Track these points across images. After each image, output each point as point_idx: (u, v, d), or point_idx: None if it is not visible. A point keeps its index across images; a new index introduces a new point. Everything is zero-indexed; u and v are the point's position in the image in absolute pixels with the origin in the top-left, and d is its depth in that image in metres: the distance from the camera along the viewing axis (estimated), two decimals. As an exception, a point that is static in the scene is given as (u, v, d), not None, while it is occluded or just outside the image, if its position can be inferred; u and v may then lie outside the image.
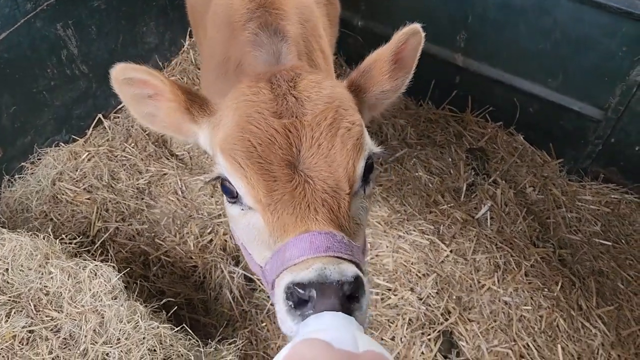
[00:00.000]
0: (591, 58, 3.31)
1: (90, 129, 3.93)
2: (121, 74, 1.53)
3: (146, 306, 2.41)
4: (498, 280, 3.26)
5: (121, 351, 2.13)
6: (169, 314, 2.61)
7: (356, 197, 1.46)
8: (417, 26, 1.62)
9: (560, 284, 3.24)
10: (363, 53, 4.59)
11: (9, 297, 2.27)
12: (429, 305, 3.15)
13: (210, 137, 1.57)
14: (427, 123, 4.18)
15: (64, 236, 2.73)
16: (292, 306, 1.21)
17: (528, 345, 3.01)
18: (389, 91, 1.68)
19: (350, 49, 4.33)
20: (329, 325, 1.12)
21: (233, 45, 2.01)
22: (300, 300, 1.20)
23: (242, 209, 1.43)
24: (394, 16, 4.05)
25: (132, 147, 3.85)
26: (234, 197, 1.43)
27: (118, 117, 4.07)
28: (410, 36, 1.61)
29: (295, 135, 1.39)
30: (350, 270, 1.22)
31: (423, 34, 1.62)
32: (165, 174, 3.70)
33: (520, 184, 3.77)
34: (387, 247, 3.39)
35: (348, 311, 1.19)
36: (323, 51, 2.25)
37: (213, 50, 2.32)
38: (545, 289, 3.23)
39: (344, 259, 1.25)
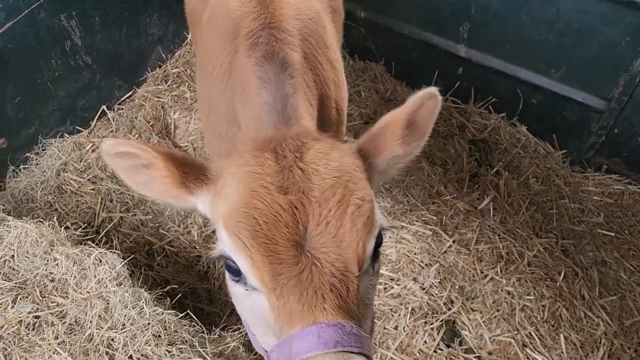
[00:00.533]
0: (594, 48, 3.30)
1: (94, 120, 3.94)
2: (112, 149, 1.45)
3: (151, 293, 2.42)
4: (501, 270, 3.27)
5: (126, 336, 2.15)
6: (173, 302, 2.63)
7: (365, 275, 1.37)
8: (434, 90, 1.50)
9: (563, 274, 3.24)
10: (366, 44, 4.59)
11: (15, 283, 2.29)
12: (432, 295, 3.17)
13: (210, 205, 1.48)
14: (430, 114, 4.18)
15: (68, 224, 2.74)
16: None
17: (531, 335, 3.02)
18: (402, 156, 1.56)
19: (353, 40, 4.33)
20: None
21: (237, 69, 1.94)
22: None
23: (247, 289, 1.35)
24: (397, 7, 4.05)
25: (136, 139, 3.86)
26: (237, 275, 1.35)
27: (122, 108, 4.09)
28: (426, 100, 1.50)
29: (302, 212, 1.30)
30: None
31: (440, 98, 1.50)
32: (169, 165, 3.71)
33: (524, 175, 3.77)
34: (390, 237, 3.40)
35: None
36: (331, 61, 2.19)
37: (210, 57, 2.26)
38: (548, 279, 3.24)
39: (354, 353, 1.19)
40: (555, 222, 3.56)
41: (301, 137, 1.48)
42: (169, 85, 4.25)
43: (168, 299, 2.59)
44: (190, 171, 1.48)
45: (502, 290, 3.20)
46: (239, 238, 1.30)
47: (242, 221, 1.31)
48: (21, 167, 3.59)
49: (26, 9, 3.20)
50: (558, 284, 3.21)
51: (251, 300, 1.35)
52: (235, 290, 1.40)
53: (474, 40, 3.79)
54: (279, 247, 1.27)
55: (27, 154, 3.62)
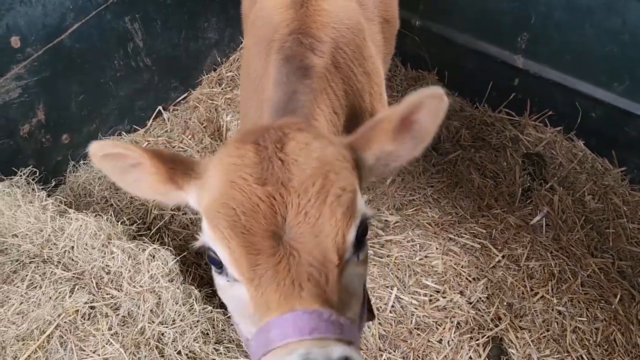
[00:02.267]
0: (662, 62, 3.17)
1: (151, 120, 4.07)
2: (99, 151, 1.46)
3: (200, 290, 2.47)
4: (552, 289, 3.17)
5: (176, 332, 2.20)
6: (220, 300, 2.67)
7: (349, 265, 1.35)
8: (439, 89, 1.44)
9: (618, 296, 3.11)
10: (419, 53, 4.55)
11: (74, 273, 2.38)
12: (479, 310, 3.10)
13: (198, 199, 1.48)
14: (482, 126, 4.11)
15: (125, 219, 2.84)
16: None
17: (582, 358, 2.91)
18: (394, 154, 1.53)
19: (407, 48, 4.31)
20: None
21: (264, 73, 1.96)
22: None
23: (228, 280, 1.35)
24: (453, 16, 4.01)
25: (189, 139, 3.96)
26: (219, 267, 1.35)
27: (177, 109, 4.20)
28: (428, 100, 1.43)
29: (281, 203, 1.30)
30: (337, 351, 1.14)
31: (446, 100, 1.43)
32: (219, 166, 3.78)
33: (579, 192, 3.64)
34: (437, 248, 3.35)
35: None
36: (368, 73, 2.16)
37: (247, 61, 2.29)
38: (603, 301, 3.12)
39: (331, 339, 1.17)
40: (612, 242, 3.42)
41: (284, 127, 1.47)
42: (222, 88, 4.33)
43: (216, 297, 2.63)
44: (178, 167, 1.50)
45: (552, 310, 3.09)
46: (218, 228, 1.30)
47: (221, 212, 1.31)
48: (81, 162, 3.73)
49: (94, 10, 3.34)
50: (613, 307, 3.08)
51: (233, 291, 1.35)
52: (218, 281, 1.40)
53: (532, 51, 3.71)
54: (256, 238, 1.27)
55: (87, 150, 3.75)
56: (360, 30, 2.19)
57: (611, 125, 3.63)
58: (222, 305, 2.60)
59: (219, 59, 4.43)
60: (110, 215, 2.80)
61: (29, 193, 2.75)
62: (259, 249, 1.26)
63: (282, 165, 1.35)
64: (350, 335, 1.24)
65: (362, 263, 1.42)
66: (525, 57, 3.76)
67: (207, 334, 2.24)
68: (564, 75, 3.65)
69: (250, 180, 1.33)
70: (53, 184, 3.50)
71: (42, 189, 3.11)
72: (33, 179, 3.09)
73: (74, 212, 2.60)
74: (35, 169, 3.20)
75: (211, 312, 2.29)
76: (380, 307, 3.14)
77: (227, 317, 2.35)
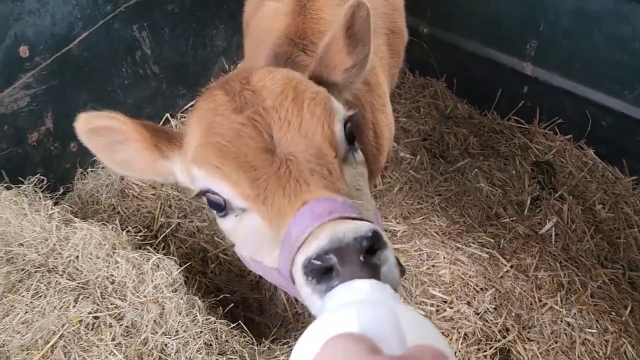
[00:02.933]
0: (673, 70, 3.13)
1: (158, 128, 4.08)
2: (85, 125, 1.49)
3: (204, 301, 2.47)
4: (561, 300, 3.12)
5: (179, 343, 2.19)
6: (225, 311, 2.67)
7: (347, 163, 1.39)
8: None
9: (629, 308, 3.06)
10: (427, 60, 4.53)
11: (78, 283, 2.39)
12: (486, 321, 3.06)
13: (183, 166, 1.51)
14: (491, 133, 4.07)
15: (130, 228, 2.84)
16: (316, 283, 1.07)
17: (592, 370, 2.86)
18: (353, 68, 1.62)
19: (415, 55, 4.29)
20: (361, 298, 0.96)
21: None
22: (322, 271, 1.07)
23: (236, 215, 1.35)
24: (461, 23, 3.98)
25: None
26: (222, 207, 1.36)
27: (184, 117, 4.21)
28: (355, 9, 1.52)
29: (262, 122, 1.33)
30: (364, 225, 1.09)
31: (367, 5, 1.53)
32: (226, 174, 3.78)
33: (589, 201, 3.59)
34: (444, 258, 3.32)
35: (375, 270, 1.06)
36: (369, 84, 2.18)
37: (245, 67, 2.34)
38: (613, 313, 3.06)
39: (355, 219, 1.14)
40: (623, 252, 3.36)
41: (244, 69, 1.54)
42: (230, 96, 4.34)
43: (220, 307, 2.62)
44: (161, 135, 1.53)
45: (561, 321, 3.04)
46: (208, 163, 1.33)
47: (207, 148, 1.34)
48: (89, 169, 3.75)
49: (102, 19, 3.36)
50: (624, 319, 3.03)
51: (245, 225, 1.35)
52: (226, 225, 1.40)
53: (541, 59, 3.67)
54: (249, 156, 1.29)
55: (95, 158, 3.77)
56: None
57: (622, 133, 3.58)
58: (226, 316, 2.60)
59: (227, 66, 4.44)
60: (116, 223, 2.81)
61: (35, 202, 2.77)
62: (254, 165, 1.28)
63: (253, 93, 1.40)
64: (371, 219, 1.22)
65: (361, 164, 1.46)
66: (534, 64, 3.73)
67: (210, 344, 2.23)
68: (573, 83, 3.60)
69: (226, 113, 1.37)
70: (61, 192, 3.52)
71: (49, 197, 3.13)
72: (40, 187, 3.11)
73: (79, 222, 2.61)
74: (43, 177, 3.22)
75: (214, 323, 2.28)
76: (386, 317, 3.11)
77: (230, 329, 2.35)
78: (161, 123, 4.08)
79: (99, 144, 1.54)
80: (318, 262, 1.06)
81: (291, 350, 2.45)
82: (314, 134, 1.33)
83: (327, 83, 1.59)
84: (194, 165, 1.38)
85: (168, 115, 4.11)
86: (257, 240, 1.32)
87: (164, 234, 3.41)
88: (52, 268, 2.45)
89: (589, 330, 3.00)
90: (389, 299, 0.98)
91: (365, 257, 1.06)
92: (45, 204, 2.68)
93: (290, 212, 1.20)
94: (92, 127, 1.50)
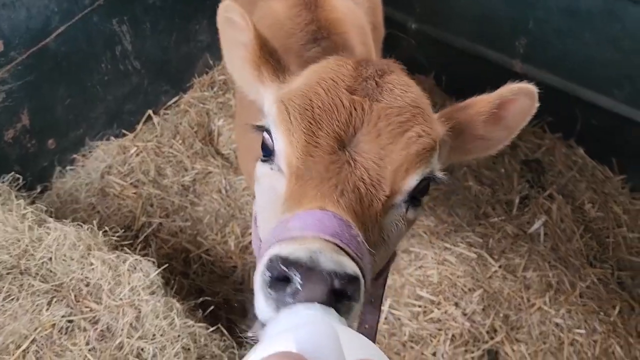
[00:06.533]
0: (663, 68, 3.09)
1: (140, 125, 3.97)
2: (225, 11, 1.47)
3: (183, 303, 2.38)
4: (550, 300, 3.08)
5: (155, 347, 2.11)
6: (205, 313, 2.59)
7: (394, 210, 1.28)
8: (532, 88, 1.44)
9: (618, 308, 3.03)
10: (416, 57, 4.46)
11: (51, 285, 2.30)
12: (474, 322, 3.01)
13: (272, 97, 1.45)
14: (479, 131, 4.02)
15: (107, 228, 2.75)
16: (268, 282, 1.01)
17: (580, 372, 2.82)
18: (478, 140, 1.53)
19: (403, 52, 4.22)
20: (304, 323, 0.92)
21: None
22: (279, 277, 1.00)
23: (272, 168, 1.31)
24: (450, 20, 3.93)
25: (180, 144, 3.87)
26: (268, 154, 1.32)
27: (167, 113, 4.11)
28: (521, 96, 1.45)
29: (359, 116, 1.25)
30: (350, 266, 1.02)
31: (537, 99, 1.44)
32: (210, 172, 3.70)
33: (579, 200, 3.56)
34: (432, 258, 3.26)
35: (335, 308, 0.99)
36: None
37: None
38: (601, 313, 3.03)
39: (349, 254, 1.06)
40: (612, 251, 3.34)
41: (390, 63, 1.46)
42: (214, 92, 4.25)
43: (200, 310, 2.54)
44: (269, 60, 1.48)
45: (550, 322, 3.01)
46: (286, 110, 1.28)
47: (297, 98, 1.29)
48: (68, 168, 3.65)
49: (79, 13, 3.25)
50: (612, 319, 3.00)
51: (271, 180, 1.31)
52: (261, 170, 1.36)
53: (531, 56, 3.63)
54: (321, 132, 1.23)
55: (74, 156, 3.67)
56: (365, 35, 2.15)
57: (611, 132, 3.55)
58: (207, 319, 2.52)
59: (211, 62, 4.34)
60: (93, 224, 2.71)
61: (9, 201, 2.66)
62: (318, 143, 1.22)
63: (377, 86, 1.32)
64: (367, 269, 1.13)
65: (409, 221, 1.35)
66: (523, 62, 3.68)
67: (189, 349, 2.15)
68: (563, 81, 3.56)
69: (340, 84, 1.31)
70: (39, 190, 3.41)
71: (26, 195, 3.02)
72: (16, 186, 3.00)
73: (53, 222, 2.51)
74: (19, 175, 3.11)
75: (192, 327, 2.20)
76: (373, 319, 3.05)
77: (210, 332, 2.27)
78: (143, 120, 3.98)
79: (227, 36, 1.52)
80: (283, 268, 1.00)
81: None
82: (389, 162, 1.23)
83: (449, 129, 1.47)
84: (275, 103, 1.34)
85: (150, 112, 4.01)
86: (271, 202, 1.29)
87: (145, 233, 3.32)
88: (25, 270, 2.35)
89: (578, 330, 2.97)
90: (333, 321, 0.94)
91: (330, 295, 0.98)
92: (18, 204, 2.57)
93: (307, 206, 1.13)
94: (229, 16, 1.47)
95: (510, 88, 1.44)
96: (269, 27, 2.06)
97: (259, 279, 1.04)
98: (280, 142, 1.28)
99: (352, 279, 1.01)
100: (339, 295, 1.00)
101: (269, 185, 1.32)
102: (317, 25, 1.91)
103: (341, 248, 1.05)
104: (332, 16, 1.95)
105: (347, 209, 1.14)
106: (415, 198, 1.31)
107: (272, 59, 1.49)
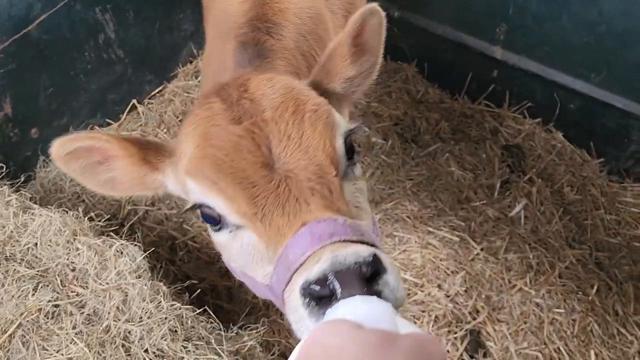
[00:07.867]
0: (638, 52, 3.15)
1: (125, 114, 3.98)
2: (62, 150, 1.38)
3: (170, 287, 2.41)
4: (530, 281, 3.15)
5: (143, 330, 2.14)
6: (192, 297, 2.61)
7: (347, 180, 1.34)
8: (374, 5, 1.47)
9: (596, 287, 3.10)
10: (398, 44, 4.49)
11: (37, 271, 2.31)
12: (457, 303, 3.07)
13: (175, 176, 1.44)
14: (461, 118, 4.07)
15: (92, 214, 2.76)
16: (314, 305, 1.07)
17: (559, 350, 2.90)
18: (356, 77, 1.56)
19: (386, 40, 4.25)
20: (362, 308, 0.98)
21: (222, 66, 1.89)
22: (321, 297, 1.05)
23: (230, 231, 1.31)
24: (432, 7, 3.96)
25: (164, 133, 3.88)
26: (217, 222, 1.31)
27: (152, 102, 4.11)
28: (367, 16, 1.46)
29: (261, 135, 1.27)
30: (364, 250, 1.08)
31: (383, 13, 1.48)
32: (195, 160, 3.71)
33: (558, 183, 3.63)
34: (415, 242, 3.32)
35: (376, 293, 1.05)
36: None
37: (208, 57, 2.24)
38: (580, 292, 3.11)
39: (355, 242, 1.12)
40: (590, 233, 3.41)
41: (241, 75, 1.47)
42: (199, 81, 4.25)
43: (187, 294, 2.57)
44: (148, 147, 1.46)
45: (530, 302, 3.08)
46: (205, 178, 1.27)
47: (204, 161, 1.28)
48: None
49: (62, 1, 3.24)
50: (590, 298, 3.08)
51: (239, 241, 1.30)
52: (220, 239, 1.35)
53: (511, 42, 3.68)
54: (247, 172, 1.24)
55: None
56: (320, 21, 2.13)
57: (589, 116, 3.62)
58: (192, 303, 2.55)
59: (195, 51, 4.34)
60: (79, 211, 2.72)
61: (-7, 189, 2.66)
62: (253, 182, 1.23)
63: (251, 103, 1.34)
64: (372, 239, 1.19)
65: (360, 178, 1.41)
66: (503, 48, 3.73)
67: (176, 331, 2.18)
68: (542, 66, 3.62)
69: (224, 124, 1.31)
70: (22, 180, 3.39)
71: (10, 184, 3.01)
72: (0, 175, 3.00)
73: (38, 208, 2.51)
74: (2, 164, 3.10)
75: (179, 309, 2.22)
76: (358, 301, 3.10)
77: (196, 314, 2.30)
78: (127, 109, 3.98)
79: (78, 168, 1.44)
80: (318, 288, 1.05)
81: (259, 335, 2.41)
82: (315, 150, 1.28)
83: (327, 91, 1.53)
84: (188, 178, 1.33)
85: (134, 101, 4.01)
86: (251, 257, 1.29)
87: (131, 221, 3.34)
88: (10, 256, 2.36)
89: (557, 310, 3.04)
90: (389, 310, 1.00)
91: (367, 284, 1.05)
92: (1, 190, 2.57)
93: (289, 232, 1.17)
94: (70, 150, 1.39)
95: (352, 20, 1.46)
96: (220, 11, 2.09)
97: (304, 312, 1.09)
98: (221, 204, 1.27)
99: (373, 257, 1.07)
100: (371, 278, 1.06)
101: (239, 246, 1.31)
102: (255, 13, 1.91)
103: (344, 241, 1.11)
104: (278, 6, 1.95)
105: (320, 209, 1.19)
106: (350, 158, 1.37)
107: (147, 145, 1.47)
